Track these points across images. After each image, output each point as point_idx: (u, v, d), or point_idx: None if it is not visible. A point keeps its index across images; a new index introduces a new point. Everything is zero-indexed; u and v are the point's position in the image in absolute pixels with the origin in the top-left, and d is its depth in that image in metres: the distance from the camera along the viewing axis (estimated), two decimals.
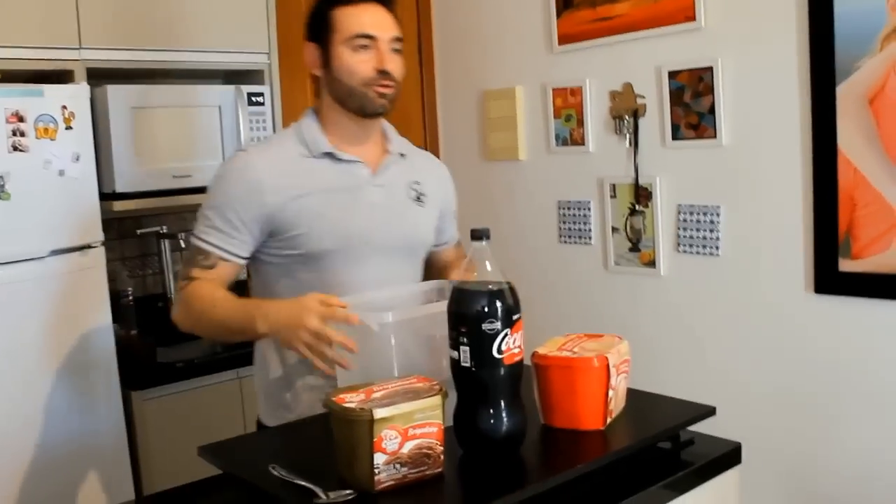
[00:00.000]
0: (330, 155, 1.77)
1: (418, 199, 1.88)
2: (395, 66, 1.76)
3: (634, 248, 3.08)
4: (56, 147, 2.44)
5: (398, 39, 1.76)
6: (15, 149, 2.37)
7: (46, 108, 2.42)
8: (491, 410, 1.31)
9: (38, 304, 2.41)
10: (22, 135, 2.38)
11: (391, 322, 1.43)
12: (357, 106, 1.75)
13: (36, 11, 2.59)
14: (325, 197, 1.74)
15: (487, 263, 1.32)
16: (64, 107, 2.46)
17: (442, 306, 1.39)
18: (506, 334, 1.29)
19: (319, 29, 1.76)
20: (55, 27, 2.62)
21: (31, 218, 2.39)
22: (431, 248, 1.97)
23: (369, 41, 1.72)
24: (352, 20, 1.73)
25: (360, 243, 1.76)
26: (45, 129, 2.43)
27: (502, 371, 1.30)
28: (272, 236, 1.74)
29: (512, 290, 1.32)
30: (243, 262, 1.76)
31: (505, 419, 1.31)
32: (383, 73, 1.73)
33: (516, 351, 1.31)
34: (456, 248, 2.06)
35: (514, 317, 1.31)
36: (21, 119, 2.38)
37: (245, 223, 1.71)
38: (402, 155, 1.88)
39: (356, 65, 1.73)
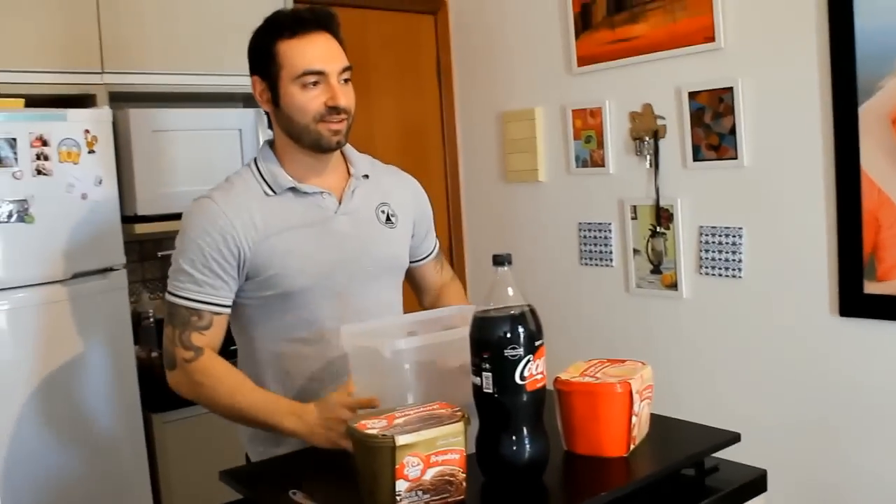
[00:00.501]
0: (293, 189, 1.73)
1: (388, 220, 1.84)
2: (346, 99, 1.69)
3: (656, 270, 3.06)
4: (79, 170, 2.46)
5: (347, 69, 1.70)
6: (39, 172, 2.39)
7: (70, 132, 2.44)
8: (513, 437, 1.30)
9: (61, 327, 2.42)
10: (46, 158, 2.40)
11: (405, 349, 1.42)
12: (311, 142, 1.71)
13: (59, 36, 2.62)
14: (294, 234, 1.71)
15: (509, 289, 1.32)
16: (87, 130, 2.48)
17: (456, 333, 1.37)
18: (528, 360, 1.28)
19: (264, 63, 1.70)
20: (78, 51, 2.64)
21: (55, 241, 2.40)
22: (411, 264, 1.95)
23: (319, 77, 1.66)
24: (298, 56, 1.66)
25: (336, 276, 1.73)
26: (69, 153, 2.45)
27: (525, 397, 1.29)
28: (248, 279, 1.70)
29: (534, 315, 1.31)
30: (229, 311, 1.72)
31: (527, 446, 1.30)
32: (335, 109, 1.67)
33: (539, 377, 1.30)
34: (436, 261, 2.04)
35: (537, 343, 1.30)
36: (45, 143, 2.40)
37: (226, 271, 1.67)
38: (365, 176, 1.83)
39: (307, 103, 1.67)
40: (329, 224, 1.75)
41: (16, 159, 2.35)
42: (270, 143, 1.79)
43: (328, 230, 1.74)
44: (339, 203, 1.77)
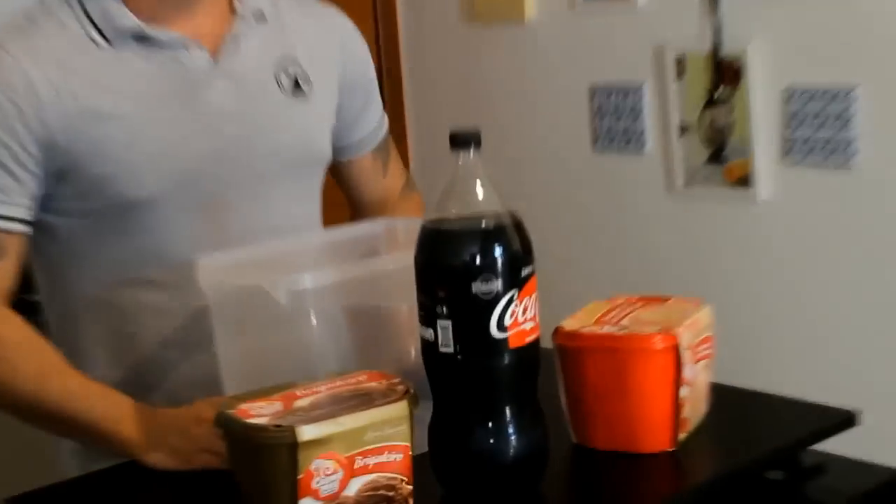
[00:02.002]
0: (139, 38, 1.71)
1: (297, 86, 1.84)
2: None
3: (716, 158, 3.08)
4: None
5: None
6: None
7: None
8: (489, 424, 1.32)
9: None
10: None
11: (310, 289, 1.43)
12: None
13: None
14: (138, 109, 1.69)
15: (478, 186, 1.32)
16: None
17: (392, 261, 1.39)
18: (511, 300, 1.29)
19: None
20: None
21: None
22: (343, 157, 1.96)
23: None
24: None
25: (207, 179, 1.75)
26: None
27: (506, 359, 1.30)
28: (61, 180, 1.69)
29: (520, 228, 1.31)
30: (30, 230, 1.70)
31: (512, 437, 1.32)
32: None
33: (528, 326, 1.31)
34: (380, 154, 2.05)
35: (524, 271, 1.30)
36: None
37: (20, 161, 1.65)
38: (260, 16, 1.83)
39: None
40: (197, 94, 1.75)
41: None
42: None
43: (195, 103, 1.74)
44: (215, 59, 1.76)
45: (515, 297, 1.29)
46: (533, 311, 1.32)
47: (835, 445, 1.48)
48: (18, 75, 1.64)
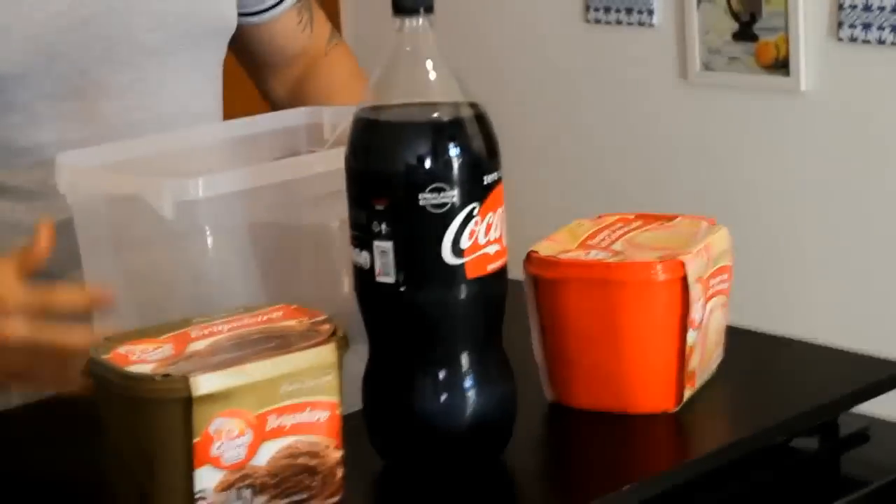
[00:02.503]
0: None
1: None
2: None
3: (745, 33, 3.10)
4: None
5: None
6: None
7: None
8: (440, 375, 1.33)
9: None
10: None
11: (202, 199, 1.41)
12: None
13: None
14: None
15: (429, 64, 1.32)
16: None
17: (321, 161, 1.40)
18: (469, 214, 1.29)
19: None
20: None
21: None
22: (246, 21, 1.98)
23: None
24: None
25: (74, 49, 1.76)
26: None
27: (463, 291, 1.31)
28: None
29: (482, 121, 1.32)
30: None
31: (470, 393, 1.33)
32: None
33: (491, 250, 1.32)
34: (298, 9, 2.09)
35: (487, 179, 1.31)
36: None
37: None
38: None
39: None
40: None
41: None
42: None
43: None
44: None
45: (476, 211, 1.28)
46: (499, 231, 1.31)
47: (884, 408, 1.51)
48: None
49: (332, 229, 1.40)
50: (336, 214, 1.37)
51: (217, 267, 1.46)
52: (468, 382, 1.32)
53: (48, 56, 1.72)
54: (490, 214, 1.30)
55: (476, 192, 1.29)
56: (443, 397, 1.32)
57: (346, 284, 1.37)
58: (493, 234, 1.31)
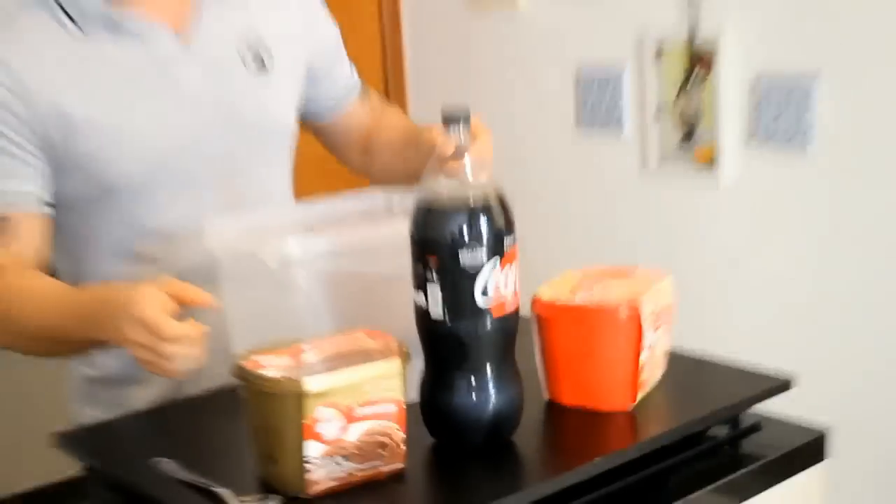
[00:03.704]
0: (108, 22, 1.64)
1: (261, 62, 1.77)
2: None
3: (687, 139, 3.07)
4: None
5: None
6: None
7: None
8: (472, 381, 1.35)
9: None
10: None
11: (297, 255, 1.43)
12: None
13: None
14: (111, 94, 1.65)
15: (467, 161, 1.33)
16: None
17: (392, 228, 1.40)
18: (493, 269, 1.31)
19: None
20: None
21: None
22: (327, 119, 1.97)
23: None
24: None
25: (184, 159, 1.71)
26: None
27: (489, 326, 1.33)
28: (53, 163, 1.65)
29: (502, 202, 1.32)
30: (48, 209, 1.66)
31: (492, 394, 1.35)
32: None
33: (509, 295, 1.33)
34: (363, 99, 2.02)
35: (507, 243, 1.32)
36: None
37: (21, 146, 1.61)
38: None
39: None
40: (167, 76, 1.70)
41: None
42: None
43: (167, 85, 1.70)
44: (181, 40, 1.70)
45: (497, 265, 1.30)
46: (513, 281, 1.33)
47: (772, 406, 1.52)
48: (2, 70, 1.60)
49: (401, 277, 1.37)
50: (402, 266, 1.36)
51: (308, 305, 1.45)
52: (490, 386, 1.34)
53: (166, 163, 1.70)
54: (508, 269, 1.32)
55: (498, 250, 1.30)
56: (473, 396, 1.34)
57: (409, 317, 1.36)
58: (510, 283, 1.32)
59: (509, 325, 1.35)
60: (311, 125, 1.99)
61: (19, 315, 1.59)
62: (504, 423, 1.38)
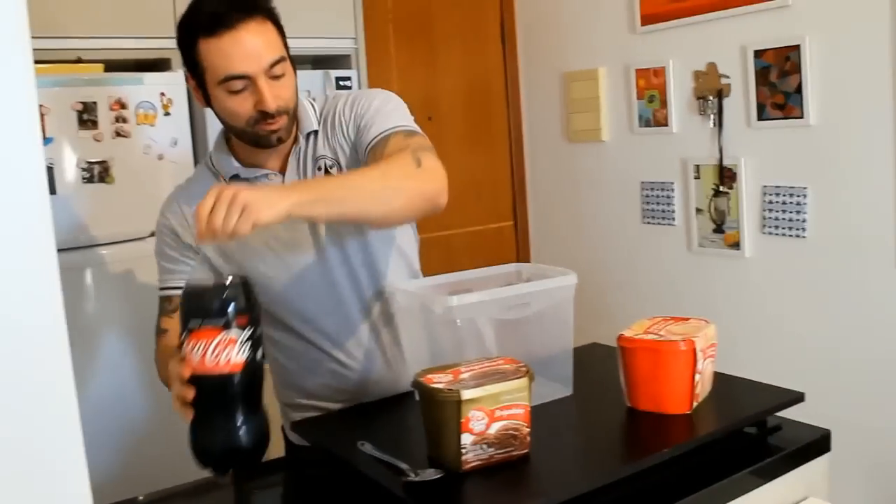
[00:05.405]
0: (237, 176, 1.55)
1: (327, 173, 1.56)
2: (278, 99, 1.44)
3: (718, 229, 3.01)
4: (155, 132, 2.50)
5: (278, 62, 1.43)
6: (118, 135, 2.43)
7: (146, 95, 2.48)
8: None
9: (140, 282, 2.48)
10: (124, 121, 2.44)
11: (456, 306, 1.35)
12: (251, 141, 1.50)
13: (135, 4, 2.64)
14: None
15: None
16: (162, 93, 2.52)
17: (512, 290, 1.36)
18: (187, 337, 1.15)
19: (191, 61, 1.46)
20: (153, 18, 2.66)
21: (133, 200, 2.45)
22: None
23: (244, 81, 1.41)
24: (219, 59, 1.40)
25: (301, 269, 1.55)
26: (146, 115, 2.49)
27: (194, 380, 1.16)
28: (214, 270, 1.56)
29: (206, 291, 1.15)
30: None
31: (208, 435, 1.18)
32: (266, 113, 1.44)
33: (197, 359, 1.14)
34: (385, 143, 1.51)
35: (192, 321, 1.14)
36: (123, 106, 2.44)
37: (188, 261, 1.55)
38: (313, 133, 1.56)
39: (235, 108, 1.44)
40: None
41: (96, 123, 2.39)
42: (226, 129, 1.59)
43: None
44: (284, 178, 1.55)
45: (188, 337, 1.14)
46: (203, 350, 1.13)
47: (788, 414, 1.45)
48: (165, 221, 1.57)
49: (528, 320, 1.34)
50: (528, 313, 1.33)
51: (465, 338, 1.39)
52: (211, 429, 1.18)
53: (282, 291, 1.57)
54: (199, 341, 1.14)
55: (185, 326, 1.15)
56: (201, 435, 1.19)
57: (532, 348, 1.32)
58: (198, 351, 1.14)
59: (204, 384, 1.15)
60: None
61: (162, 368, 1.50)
62: (219, 460, 1.19)
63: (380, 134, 1.49)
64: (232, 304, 1.14)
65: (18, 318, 0.74)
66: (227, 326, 1.14)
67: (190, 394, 1.17)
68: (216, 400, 1.16)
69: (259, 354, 1.19)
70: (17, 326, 0.74)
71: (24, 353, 0.74)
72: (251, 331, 1.16)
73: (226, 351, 1.14)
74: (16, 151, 0.74)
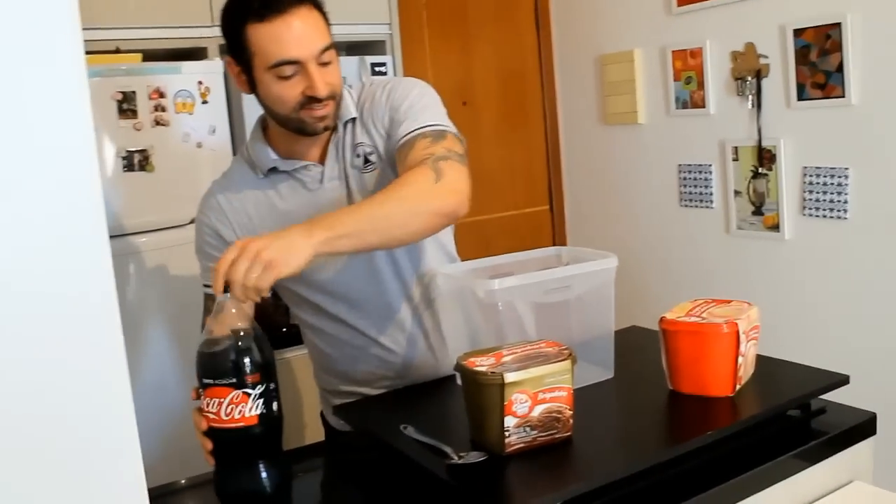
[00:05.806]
0: (274, 168, 1.55)
1: (366, 162, 1.55)
2: (327, 85, 1.45)
3: (757, 211, 2.98)
4: (194, 121, 2.52)
5: (327, 49, 1.44)
6: (157, 123, 2.46)
7: (184, 84, 2.50)
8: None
9: (180, 270, 2.50)
10: (163, 110, 2.47)
11: (497, 289, 1.35)
12: (295, 129, 1.50)
13: None
14: (288, 221, 1.40)
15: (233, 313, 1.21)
16: (200, 82, 2.54)
17: (553, 273, 1.35)
18: (200, 392, 1.22)
19: (236, 47, 1.45)
20: (190, 7, 2.69)
21: (173, 188, 2.48)
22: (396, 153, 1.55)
23: (294, 66, 1.42)
24: (270, 44, 1.40)
25: (345, 258, 1.55)
26: (184, 104, 2.51)
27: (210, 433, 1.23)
28: None
29: (218, 353, 1.19)
30: None
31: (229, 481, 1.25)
32: (315, 98, 1.44)
33: (212, 415, 1.21)
34: (411, 146, 1.48)
35: (205, 381, 1.20)
36: (162, 95, 2.46)
37: (216, 255, 1.52)
38: (352, 120, 1.56)
39: (283, 93, 1.44)
40: (318, 200, 1.54)
41: (135, 112, 2.42)
42: (263, 118, 1.59)
43: (321, 205, 1.51)
44: (324, 168, 1.55)
45: (203, 394, 1.21)
46: (215, 408, 1.20)
47: (832, 396, 1.43)
48: (206, 216, 1.57)
49: (568, 303, 1.33)
50: (569, 296, 1.32)
51: (507, 322, 1.38)
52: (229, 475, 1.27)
53: (324, 275, 1.58)
54: (211, 399, 1.20)
55: (201, 385, 1.21)
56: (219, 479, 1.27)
57: (574, 331, 1.32)
58: (211, 408, 1.20)
59: (219, 437, 1.23)
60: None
61: None
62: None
63: (408, 133, 1.48)
64: (243, 364, 1.19)
65: (76, 303, 0.76)
66: (239, 386, 1.19)
67: (209, 444, 1.24)
68: (233, 451, 1.23)
69: (275, 406, 1.23)
70: (75, 313, 0.76)
71: (79, 338, 0.77)
72: (264, 387, 1.20)
73: (239, 407, 1.19)
74: (70, 143, 0.76)
